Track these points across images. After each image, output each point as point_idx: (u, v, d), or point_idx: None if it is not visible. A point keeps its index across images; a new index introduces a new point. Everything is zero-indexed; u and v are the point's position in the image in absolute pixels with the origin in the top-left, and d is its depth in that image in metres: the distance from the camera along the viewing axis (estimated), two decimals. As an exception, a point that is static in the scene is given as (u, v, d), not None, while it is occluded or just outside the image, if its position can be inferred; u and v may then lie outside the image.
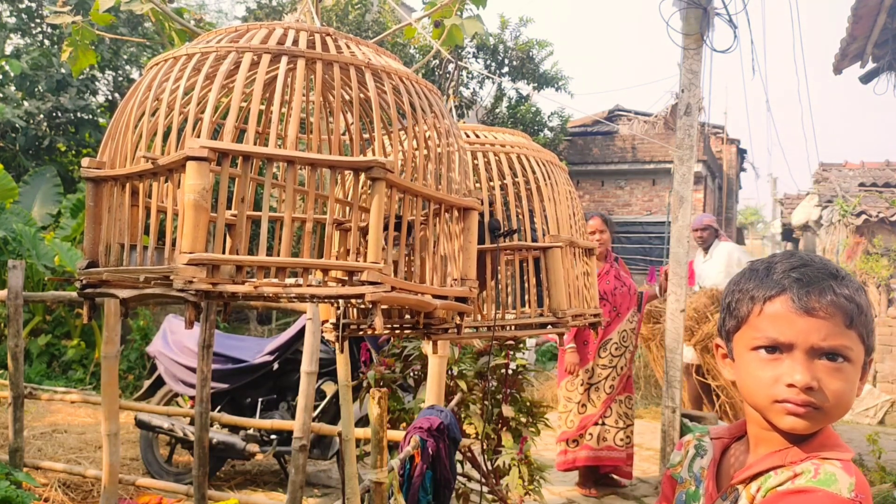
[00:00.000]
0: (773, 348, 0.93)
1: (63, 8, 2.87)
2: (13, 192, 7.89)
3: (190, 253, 0.83)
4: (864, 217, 9.22)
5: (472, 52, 11.48)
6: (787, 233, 16.89)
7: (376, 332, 0.98)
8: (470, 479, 3.36)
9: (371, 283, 0.90)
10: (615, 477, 4.55)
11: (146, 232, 1.01)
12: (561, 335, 1.79)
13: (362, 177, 0.94)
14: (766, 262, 0.99)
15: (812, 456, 0.93)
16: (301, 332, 4.15)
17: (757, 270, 0.99)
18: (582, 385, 4.33)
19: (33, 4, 9.80)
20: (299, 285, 0.90)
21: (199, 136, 0.87)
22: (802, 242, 14.17)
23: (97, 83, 10.03)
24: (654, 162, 13.06)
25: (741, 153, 18.21)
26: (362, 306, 1.32)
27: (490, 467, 3.21)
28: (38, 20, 9.88)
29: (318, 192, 0.95)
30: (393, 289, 0.91)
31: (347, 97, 1.17)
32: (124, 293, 0.92)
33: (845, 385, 0.92)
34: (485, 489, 3.20)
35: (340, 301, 0.98)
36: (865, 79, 6.28)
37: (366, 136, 1.35)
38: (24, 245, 7.04)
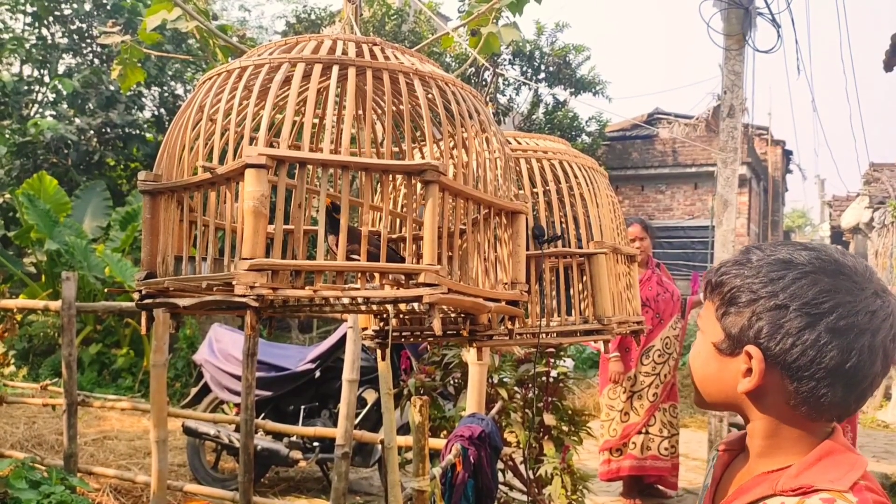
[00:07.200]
0: None
1: (112, 28, 2.96)
2: (66, 207, 8.19)
3: (250, 259, 0.85)
4: (918, 219, 8.86)
5: (507, 58, 11.47)
6: (837, 235, 16.36)
7: (429, 336, 0.98)
8: (512, 487, 3.33)
9: (428, 285, 0.91)
10: (660, 488, 4.45)
11: (194, 243, 1.04)
12: (606, 343, 1.76)
13: (413, 182, 0.95)
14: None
15: (806, 488, 0.77)
16: (342, 340, 4.19)
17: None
18: (624, 393, 4.26)
19: (84, 25, 10.19)
20: (357, 289, 0.91)
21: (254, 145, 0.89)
22: (853, 245, 13.70)
23: (144, 99, 10.37)
24: (695, 165, 12.82)
25: (787, 155, 17.75)
26: (415, 312, 1.32)
27: (532, 476, 3.17)
28: (88, 40, 10.28)
29: (372, 204, 0.96)
30: (449, 291, 0.92)
31: (394, 108, 1.18)
32: (185, 301, 0.95)
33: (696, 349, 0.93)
34: (527, 498, 3.17)
35: (390, 308, 0.99)
36: (918, 75, 6.06)
37: (410, 145, 1.36)
38: (76, 257, 7.30)
